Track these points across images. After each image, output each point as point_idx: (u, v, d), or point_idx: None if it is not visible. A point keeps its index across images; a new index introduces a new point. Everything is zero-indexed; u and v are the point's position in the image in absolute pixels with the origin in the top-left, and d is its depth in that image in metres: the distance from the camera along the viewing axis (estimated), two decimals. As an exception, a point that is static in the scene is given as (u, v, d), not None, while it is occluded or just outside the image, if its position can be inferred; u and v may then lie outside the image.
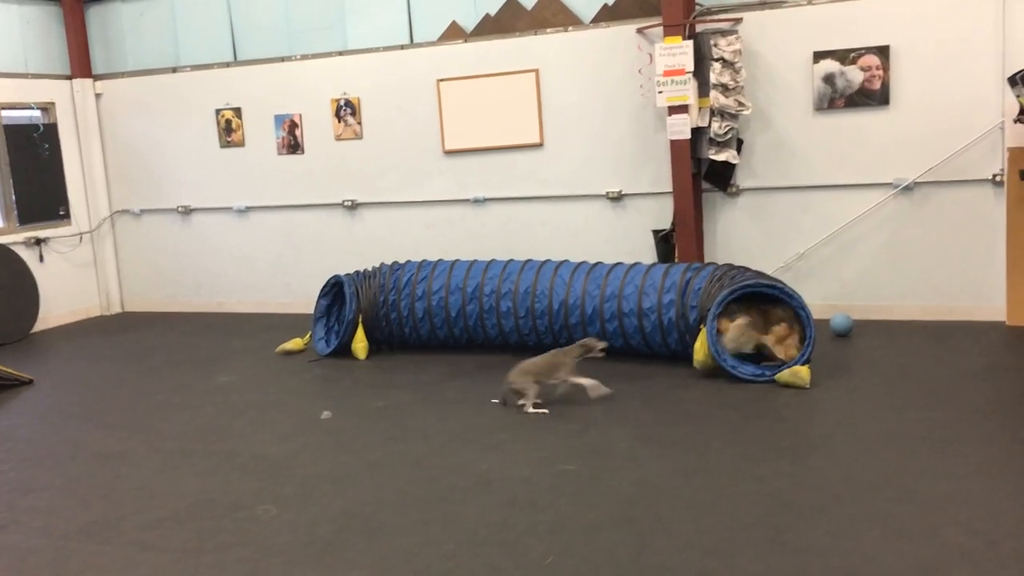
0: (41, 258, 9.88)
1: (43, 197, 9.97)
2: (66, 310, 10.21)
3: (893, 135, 7.57)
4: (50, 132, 10.02)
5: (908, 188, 7.59)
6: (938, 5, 7.33)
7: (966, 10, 7.27)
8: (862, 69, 7.55)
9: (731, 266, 6.81)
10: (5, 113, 9.60)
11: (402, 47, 9.05)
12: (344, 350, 7.66)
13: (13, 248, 9.52)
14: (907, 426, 5.28)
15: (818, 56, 7.65)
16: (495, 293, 7.25)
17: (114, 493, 5.00)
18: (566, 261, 7.41)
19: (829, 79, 7.65)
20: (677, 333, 6.67)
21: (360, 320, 7.58)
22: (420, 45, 8.98)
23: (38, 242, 9.86)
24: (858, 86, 7.58)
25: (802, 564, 3.74)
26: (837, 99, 7.66)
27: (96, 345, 9.01)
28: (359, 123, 9.30)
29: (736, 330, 6.27)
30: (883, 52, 7.47)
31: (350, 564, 4.00)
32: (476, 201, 8.96)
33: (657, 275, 6.84)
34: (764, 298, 6.37)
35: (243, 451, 5.55)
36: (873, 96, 7.56)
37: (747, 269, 6.76)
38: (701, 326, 6.41)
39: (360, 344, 7.61)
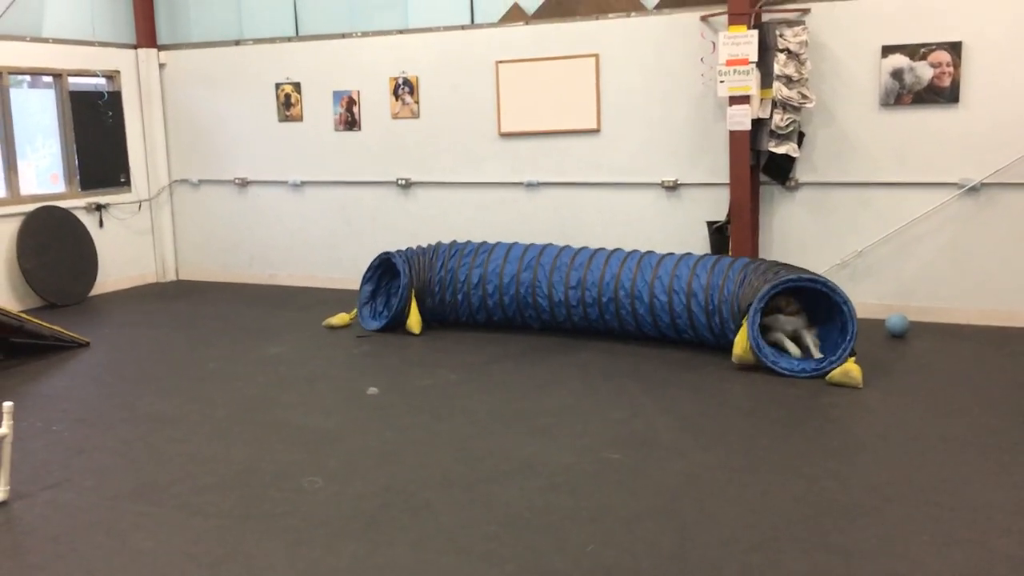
0: (101, 223, 10.08)
1: (105, 164, 10.15)
2: (123, 275, 10.42)
3: (961, 134, 7.38)
4: (114, 100, 10.20)
5: (974, 189, 7.40)
6: (1013, 1, 7.12)
7: (1044, 7, 7.06)
8: (932, 65, 7.36)
9: (775, 263, 6.78)
10: (72, 80, 9.79)
11: (463, 27, 9.03)
12: (394, 327, 7.71)
13: (74, 212, 9.73)
14: (960, 431, 5.16)
15: (887, 50, 7.48)
16: (547, 279, 7.28)
17: (165, 457, 5.10)
18: (617, 250, 7.37)
19: (897, 74, 7.47)
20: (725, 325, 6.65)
21: (412, 292, 7.63)
22: (480, 26, 8.95)
23: (98, 208, 10.05)
24: (927, 82, 7.40)
25: (849, 566, 3.68)
26: (904, 95, 7.48)
27: (151, 311, 9.18)
28: (416, 102, 9.32)
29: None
30: (955, 48, 7.27)
31: (392, 540, 4.03)
32: (530, 185, 8.93)
33: (705, 268, 6.83)
34: (805, 293, 6.35)
35: (290, 422, 5.62)
36: (942, 93, 7.37)
37: (788, 266, 6.70)
38: (743, 320, 6.36)
39: (414, 318, 7.65)
